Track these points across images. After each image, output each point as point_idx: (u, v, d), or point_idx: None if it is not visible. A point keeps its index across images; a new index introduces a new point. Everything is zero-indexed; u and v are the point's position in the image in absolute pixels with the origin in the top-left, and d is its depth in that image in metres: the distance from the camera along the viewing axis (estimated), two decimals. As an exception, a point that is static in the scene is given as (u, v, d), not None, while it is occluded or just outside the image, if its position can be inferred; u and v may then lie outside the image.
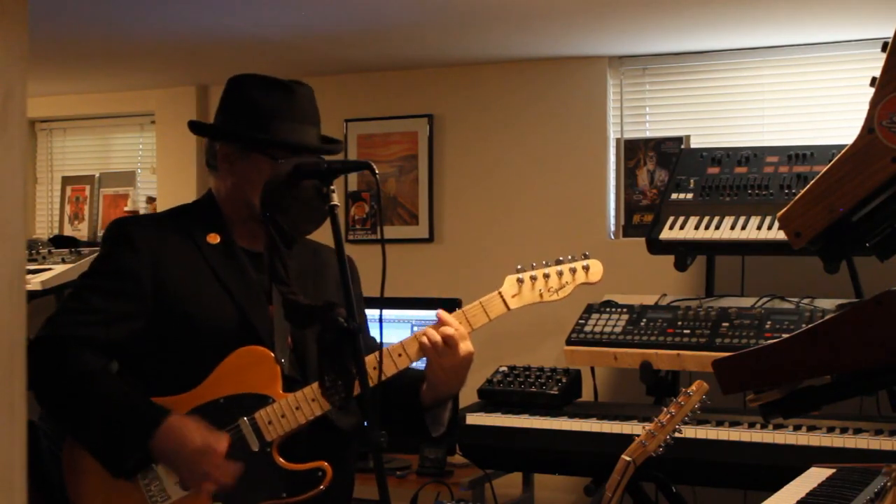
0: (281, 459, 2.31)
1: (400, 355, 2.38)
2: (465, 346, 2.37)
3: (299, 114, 2.39)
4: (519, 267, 2.44)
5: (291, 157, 2.33)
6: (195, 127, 2.58)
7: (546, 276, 2.44)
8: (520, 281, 2.43)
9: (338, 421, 2.39)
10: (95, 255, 2.46)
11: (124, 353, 2.33)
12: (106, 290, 2.32)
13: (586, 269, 2.51)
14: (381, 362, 2.33)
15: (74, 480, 2.29)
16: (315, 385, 2.32)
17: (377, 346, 2.35)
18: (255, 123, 2.36)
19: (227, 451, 2.23)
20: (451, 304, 3.80)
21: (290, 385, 2.35)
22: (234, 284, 2.37)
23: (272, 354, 2.35)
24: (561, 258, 2.49)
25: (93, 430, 2.25)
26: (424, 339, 2.36)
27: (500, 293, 2.43)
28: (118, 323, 2.30)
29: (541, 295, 2.44)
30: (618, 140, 4.44)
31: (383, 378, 2.31)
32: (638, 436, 2.54)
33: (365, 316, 2.63)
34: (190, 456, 2.21)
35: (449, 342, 2.35)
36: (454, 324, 2.38)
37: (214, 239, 2.40)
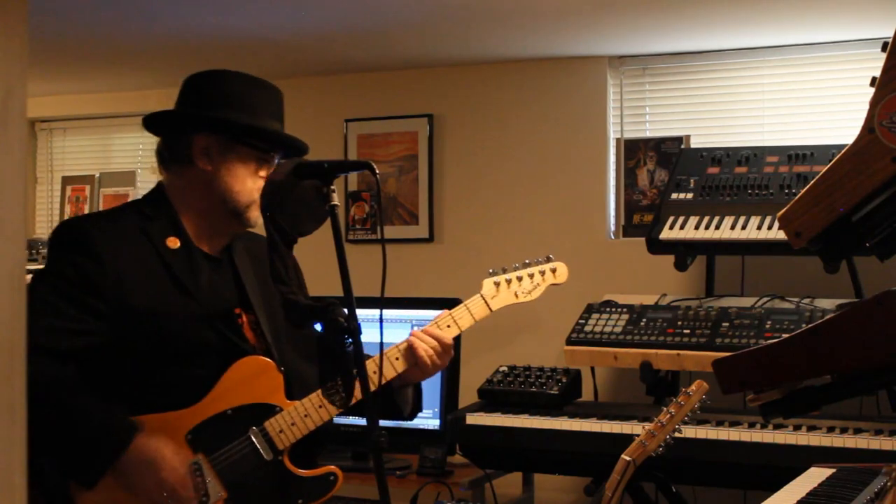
0: (293, 467, 2.33)
1: (397, 359, 2.43)
2: (451, 353, 2.48)
3: (277, 110, 2.43)
4: (491, 271, 2.56)
5: (276, 150, 2.37)
6: (163, 118, 2.44)
7: (519, 278, 2.57)
8: (496, 284, 2.55)
9: None
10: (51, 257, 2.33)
11: (89, 366, 2.25)
12: (70, 298, 2.24)
13: (554, 270, 2.64)
14: (381, 365, 2.35)
15: (85, 496, 2.25)
16: (323, 391, 2.33)
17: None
18: (248, 112, 2.36)
19: (186, 475, 2.22)
20: (451, 304, 3.79)
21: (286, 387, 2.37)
22: (202, 296, 2.34)
23: (273, 363, 2.36)
24: (528, 261, 2.61)
25: (61, 440, 2.18)
26: (426, 352, 2.42)
27: (481, 296, 2.53)
28: (79, 336, 2.23)
29: (516, 295, 2.57)
30: (618, 140, 4.44)
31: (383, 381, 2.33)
32: (638, 436, 2.54)
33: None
34: (153, 485, 2.19)
35: (446, 349, 2.44)
36: (443, 334, 2.47)
37: (174, 243, 2.35)
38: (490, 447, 3.55)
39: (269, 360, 2.37)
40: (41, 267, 2.33)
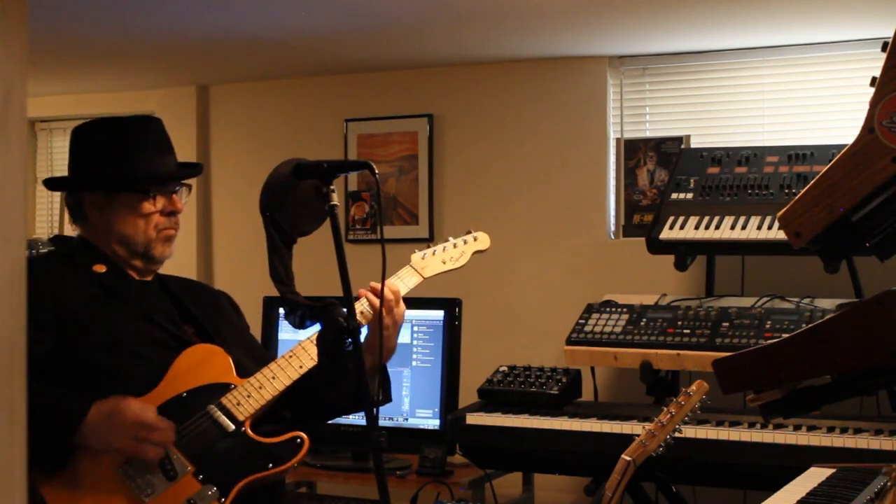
0: (257, 436, 2.37)
1: (362, 312, 2.46)
2: (402, 304, 2.52)
3: (154, 146, 2.49)
4: (416, 251, 2.69)
5: (158, 188, 2.45)
6: (53, 184, 2.64)
7: (444, 248, 2.71)
8: (423, 257, 2.67)
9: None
10: None
11: (44, 376, 2.27)
12: None
13: (476, 238, 2.77)
14: (381, 353, 2.37)
15: (55, 493, 2.25)
16: (273, 365, 2.41)
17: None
18: (117, 164, 2.45)
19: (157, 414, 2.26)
20: (451, 304, 3.81)
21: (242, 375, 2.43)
22: (137, 299, 2.43)
23: (221, 348, 2.43)
24: (450, 237, 2.75)
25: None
26: (371, 297, 2.46)
27: (411, 266, 2.65)
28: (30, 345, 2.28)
29: (444, 262, 2.69)
30: (618, 140, 4.43)
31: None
32: (638, 436, 2.54)
33: (258, 344, 2.75)
34: (126, 428, 2.21)
35: (396, 295, 2.48)
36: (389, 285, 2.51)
37: (101, 268, 2.45)
38: (490, 447, 3.55)
39: (215, 346, 2.44)
40: None
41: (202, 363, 2.40)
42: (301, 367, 2.41)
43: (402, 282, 2.59)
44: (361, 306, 2.45)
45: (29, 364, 2.26)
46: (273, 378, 2.40)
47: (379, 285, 2.45)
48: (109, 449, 2.24)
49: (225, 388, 2.38)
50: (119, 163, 2.45)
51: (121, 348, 2.35)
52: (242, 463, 2.34)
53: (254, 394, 2.38)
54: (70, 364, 2.31)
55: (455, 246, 2.72)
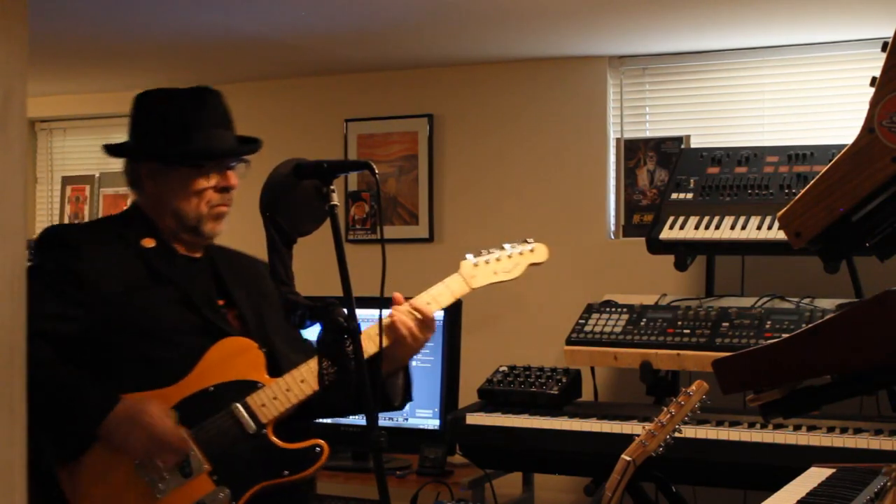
0: (277, 440, 2.35)
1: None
2: (432, 329, 2.49)
3: (212, 120, 2.44)
4: (469, 255, 2.58)
5: (213, 163, 2.40)
6: (112, 150, 2.59)
7: (498, 258, 2.59)
8: (476, 265, 2.57)
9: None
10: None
11: (77, 353, 2.29)
12: (51, 287, 2.28)
13: (532, 251, 2.65)
14: (380, 361, 2.35)
15: (71, 479, 2.28)
16: (303, 367, 2.37)
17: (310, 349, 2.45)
18: (173, 137, 2.40)
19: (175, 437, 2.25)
20: (452, 304, 3.80)
21: (273, 371, 2.40)
22: (179, 281, 2.39)
23: (254, 343, 2.38)
24: (505, 245, 2.63)
25: (47, 411, 2.20)
26: (405, 324, 2.43)
27: (460, 274, 2.55)
28: (61, 321, 2.27)
29: (495, 273, 2.58)
30: (618, 140, 4.44)
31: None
32: (638, 436, 2.54)
33: (297, 332, 2.70)
34: (140, 435, 2.22)
35: (427, 322, 2.44)
36: (422, 306, 2.47)
37: (150, 242, 2.42)
38: (490, 447, 3.55)
39: (249, 340, 2.39)
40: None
41: (233, 357, 2.37)
42: None
43: (449, 289, 2.52)
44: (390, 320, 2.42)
45: (57, 342, 2.27)
46: (302, 381, 2.36)
47: (411, 302, 2.43)
48: (122, 449, 2.24)
49: (252, 385, 2.35)
50: (175, 136, 2.40)
51: (155, 334, 2.32)
52: (258, 467, 2.32)
53: (280, 396, 2.34)
54: (101, 345, 2.29)
55: (510, 256, 2.61)
